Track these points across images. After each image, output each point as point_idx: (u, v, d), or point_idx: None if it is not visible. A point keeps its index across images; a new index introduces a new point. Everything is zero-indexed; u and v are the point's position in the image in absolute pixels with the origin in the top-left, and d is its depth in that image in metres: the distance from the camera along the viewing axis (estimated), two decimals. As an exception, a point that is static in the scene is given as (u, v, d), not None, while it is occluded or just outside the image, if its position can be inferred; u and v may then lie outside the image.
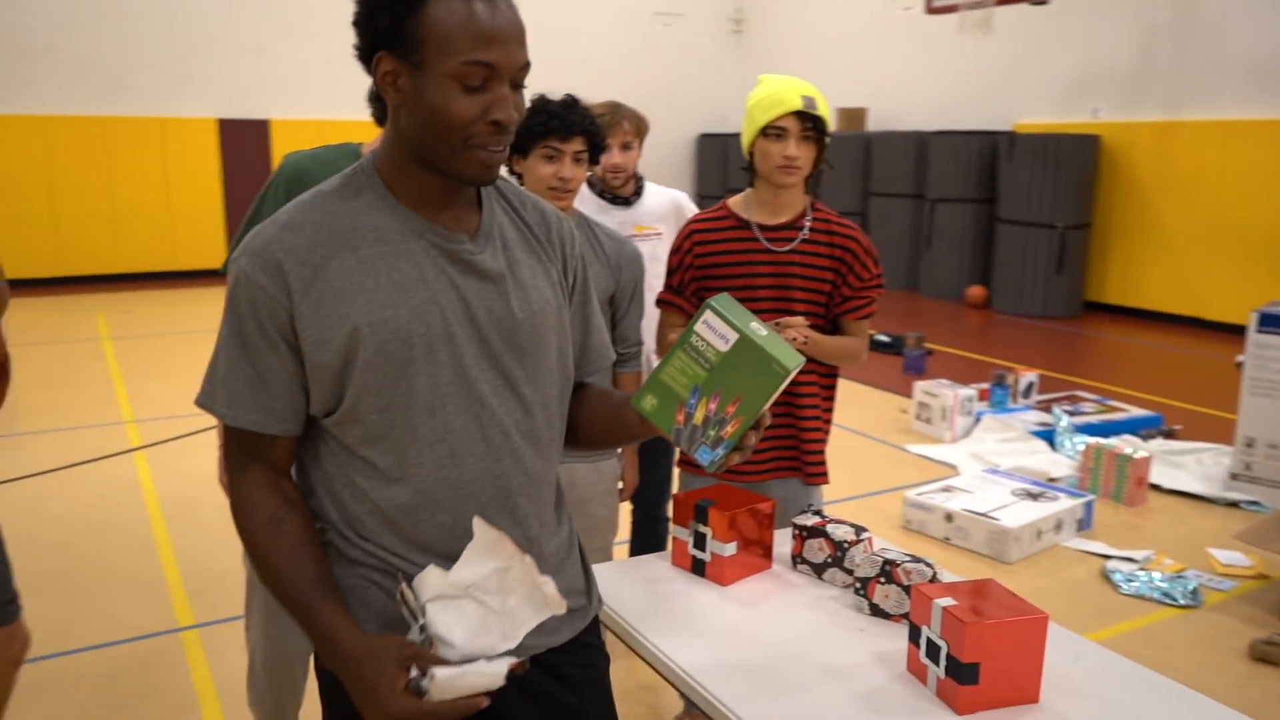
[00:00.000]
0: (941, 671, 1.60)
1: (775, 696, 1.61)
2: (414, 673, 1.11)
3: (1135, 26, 9.30)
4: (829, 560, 2.04)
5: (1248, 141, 8.45)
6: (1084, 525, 4.26)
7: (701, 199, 13.87)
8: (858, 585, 1.92)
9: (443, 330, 1.24)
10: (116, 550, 3.97)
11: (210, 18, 11.02)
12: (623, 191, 3.01)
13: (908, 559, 1.89)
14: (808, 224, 2.39)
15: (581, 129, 2.29)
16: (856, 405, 6.33)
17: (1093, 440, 4.89)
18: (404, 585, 1.18)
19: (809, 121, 2.27)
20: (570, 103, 2.30)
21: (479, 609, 1.17)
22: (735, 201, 2.46)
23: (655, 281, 2.84)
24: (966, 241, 10.42)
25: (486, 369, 1.28)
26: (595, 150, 2.35)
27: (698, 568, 2.07)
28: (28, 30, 10.40)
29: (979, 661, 1.56)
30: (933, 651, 1.63)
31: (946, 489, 4.37)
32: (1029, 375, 5.97)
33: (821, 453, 2.44)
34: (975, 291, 10.18)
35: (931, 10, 9.74)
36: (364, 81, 1.44)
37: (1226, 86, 8.67)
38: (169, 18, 10.81)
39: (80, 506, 4.44)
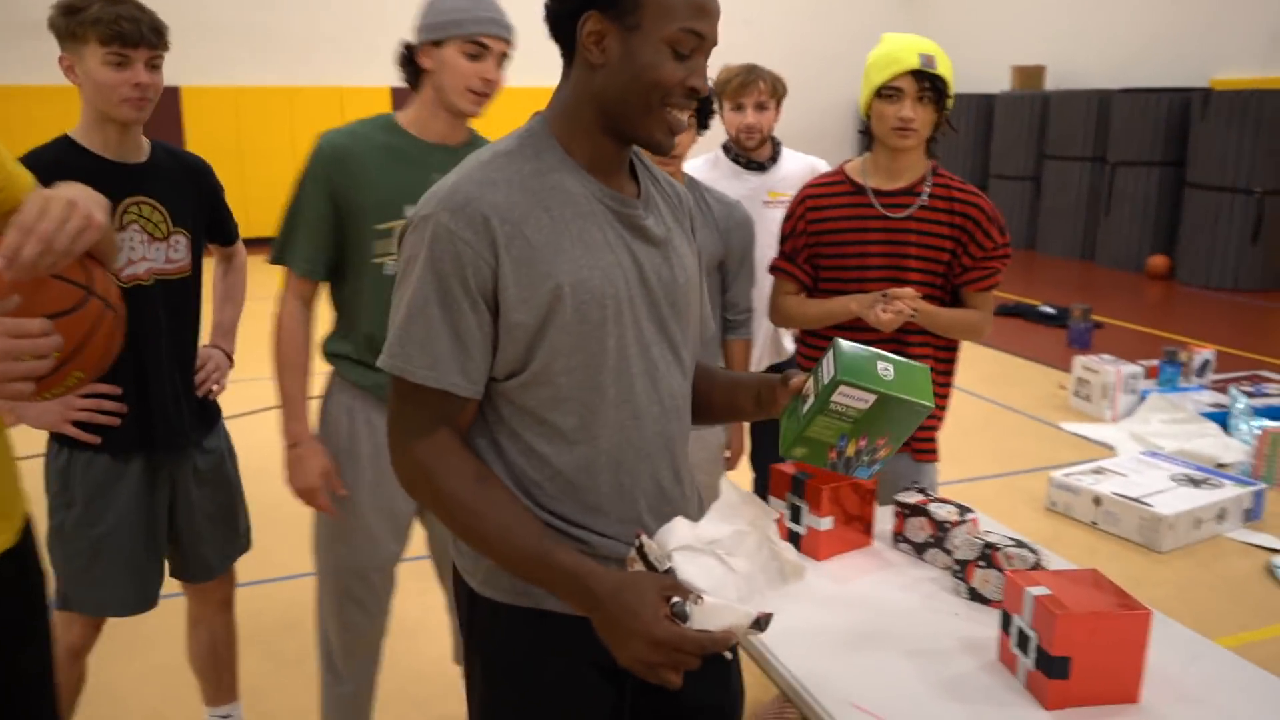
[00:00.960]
0: (1031, 663, 1.52)
1: (858, 677, 1.57)
2: (675, 600, 1.14)
3: (1357, -31, 8.37)
4: (930, 540, 1.96)
5: None
6: (1253, 515, 3.94)
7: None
8: (956, 568, 1.84)
9: (626, 293, 1.28)
10: (266, 495, 4.24)
11: (385, -11, 11.47)
12: (757, 155, 2.95)
13: (1011, 543, 1.80)
14: (927, 189, 2.28)
15: None
16: (1011, 380, 6.05)
17: (1272, 424, 4.50)
18: (642, 537, 1.21)
19: (926, 81, 2.16)
20: None
21: (721, 566, 1.20)
22: (853, 166, 2.37)
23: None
24: (1150, 208, 9.71)
25: (656, 332, 1.32)
26: (703, 115, 2.31)
27: (793, 540, 2.04)
28: (218, 6, 11.11)
29: (1070, 655, 1.48)
30: (1023, 642, 1.55)
31: (1098, 470, 4.13)
32: (1204, 352, 5.54)
33: (933, 429, 2.34)
34: (1157, 261, 9.50)
35: (1119, -42, 9.05)
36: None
37: None
38: (347, -10, 11.31)
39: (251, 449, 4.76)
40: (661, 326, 1.32)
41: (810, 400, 1.32)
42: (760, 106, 2.86)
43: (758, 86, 2.83)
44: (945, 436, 2.49)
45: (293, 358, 2.11)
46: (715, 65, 3.57)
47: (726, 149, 2.97)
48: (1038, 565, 1.76)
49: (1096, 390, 5.28)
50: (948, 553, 1.93)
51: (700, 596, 1.13)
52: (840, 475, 2.03)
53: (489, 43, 1.99)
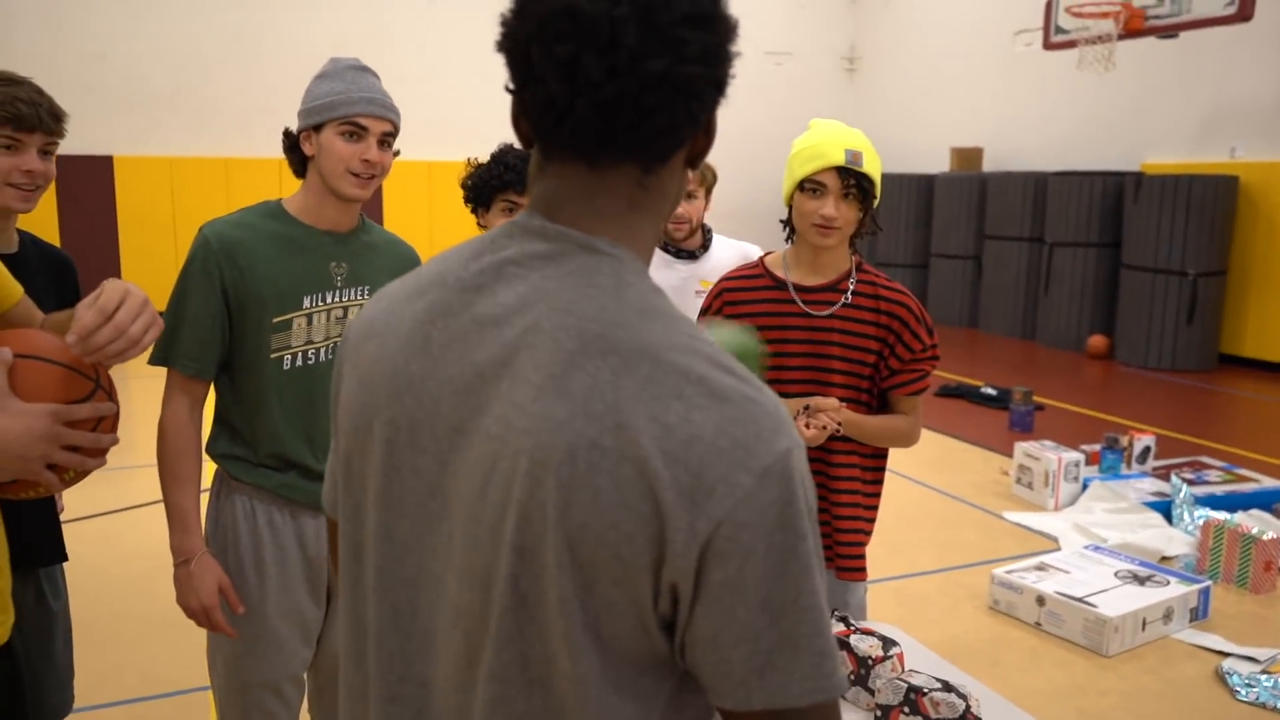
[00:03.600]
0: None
1: None
2: None
3: (1275, 59, 8.64)
4: (850, 677, 1.77)
5: (1407, 183, 7.69)
6: (1199, 615, 3.81)
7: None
8: (878, 712, 1.65)
9: None
10: (168, 596, 3.95)
11: (320, 65, 11.40)
12: (687, 244, 2.82)
13: (938, 685, 1.62)
14: (851, 286, 2.15)
15: None
16: (953, 465, 5.93)
17: (1215, 515, 4.41)
18: None
19: (851, 178, 2.04)
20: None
21: None
22: (773, 259, 2.24)
23: None
24: (1088, 288, 9.81)
25: None
26: None
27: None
28: (158, 76, 10.96)
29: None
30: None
31: (1040, 567, 3.98)
32: (1145, 438, 5.48)
33: (860, 545, 2.17)
34: (1096, 341, 9.56)
35: (1049, 46, 9.27)
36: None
37: (1382, 124, 7.94)
38: (285, 64, 11.22)
39: (140, 552, 4.47)
40: None
41: None
42: (688, 195, 2.74)
43: None
44: (886, 524, 2.33)
45: (181, 468, 1.93)
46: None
47: None
48: (967, 713, 1.58)
49: (1038, 478, 5.17)
50: (870, 693, 1.74)
51: None
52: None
53: (367, 123, 1.90)
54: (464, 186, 2.23)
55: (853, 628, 1.84)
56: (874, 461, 2.22)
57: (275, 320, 1.93)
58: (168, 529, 1.93)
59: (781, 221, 2.23)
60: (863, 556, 2.19)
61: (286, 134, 1.99)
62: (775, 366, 2.14)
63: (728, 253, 2.84)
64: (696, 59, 0.82)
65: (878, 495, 2.25)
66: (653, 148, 0.86)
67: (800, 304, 2.14)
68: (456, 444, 0.87)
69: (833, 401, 2.03)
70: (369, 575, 0.94)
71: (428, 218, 11.62)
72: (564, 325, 0.83)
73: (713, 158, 2.80)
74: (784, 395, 2.11)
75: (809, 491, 0.83)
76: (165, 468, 1.92)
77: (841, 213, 2.05)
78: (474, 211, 2.23)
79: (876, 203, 2.11)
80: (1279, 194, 8.68)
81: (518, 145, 2.18)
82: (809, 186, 2.06)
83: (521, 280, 0.87)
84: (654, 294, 0.87)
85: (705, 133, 0.90)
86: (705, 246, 2.85)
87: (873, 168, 2.06)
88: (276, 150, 11.29)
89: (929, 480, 5.62)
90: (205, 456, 1.98)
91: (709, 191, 2.80)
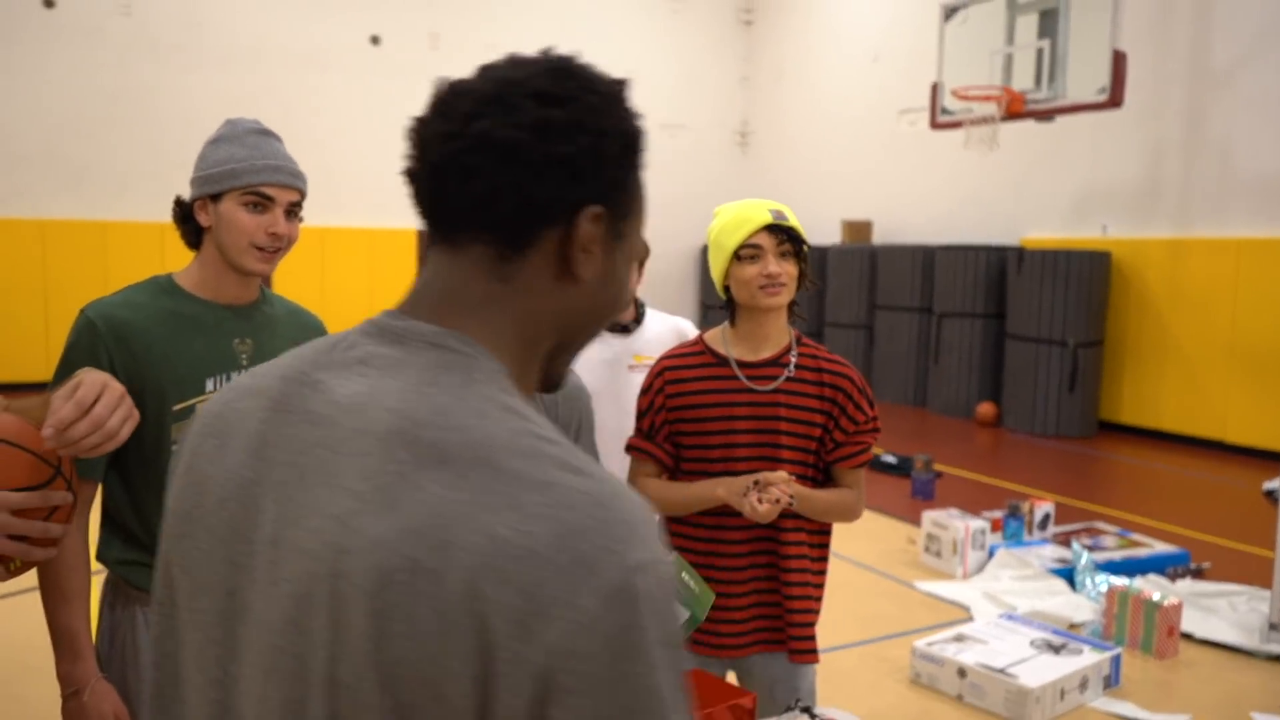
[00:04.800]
0: None
1: None
2: None
3: (1143, 143, 9.22)
4: (819, 775, 1.69)
5: (1261, 259, 8.25)
6: (1112, 683, 3.86)
7: (707, 311, 13.72)
8: (852, 814, 1.57)
9: None
10: (36, 698, 3.60)
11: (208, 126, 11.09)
12: (620, 318, 2.76)
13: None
14: (793, 359, 2.12)
15: None
16: (861, 534, 5.96)
17: (1117, 582, 4.51)
18: None
19: (783, 234, 2.02)
20: None
21: None
22: (712, 336, 2.19)
23: None
24: (975, 357, 10.16)
25: None
26: None
27: (661, 778, 1.73)
28: (29, 136, 10.45)
29: None
30: None
31: (959, 638, 3.99)
32: (1045, 505, 5.62)
33: (811, 625, 2.11)
34: (985, 409, 9.87)
35: (936, 126, 9.70)
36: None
37: (1236, 203, 8.52)
38: (165, 125, 10.85)
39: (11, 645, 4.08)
40: None
41: None
42: None
43: None
44: None
45: (69, 582, 1.69)
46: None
47: None
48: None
49: (946, 546, 5.23)
50: (841, 791, 1.66)
51: None
52: (715, 693, 1.75)
53: (273, 193, 1.76)
54: None
55: (818, 718, 1.76)
56: (820, 538, 2.17)
57: (176, 408, 1.75)
58: (53, 654, 1.68)
59: (721, 307, 2.19)
60: (813, 638, 2.12)
61: (178, 203, 1.83)
62: (724, 445, 2.08)
63: (661, 327, 2.79)
64: (527, 126, 0.80)
65: (824, 573, 2.20)
66: (491, 222, 0.81)
67: (744, 380, 2.10)
68: (271, 558, 0.77)
69: (782, 475, 1.99)
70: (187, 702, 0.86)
71: (319, 287, 11.28)
72: (396, 429, 0.74)
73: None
74: (733, 473, 2.05)
75: (667, 614, 0.73)
76: (48, 584, 1.68)
77: (784, 269, 2.03)
78: None
79: (806, 252, 2.10)
80: (1147, 269, 9.20)
81: None
82: (745, 253, 2.04)
83: (362, 379, 0.79)
84: (503, 395, 0.79)
85: (572, 230, 0.83)
86: (639, 320, 2.79)
87: (795, 223, 2.07)
88: (159, 214, 10.86)
89: (839, 549, 5.59)
90: (94, 565, 1.77)
91: (641, 265, 2.76)
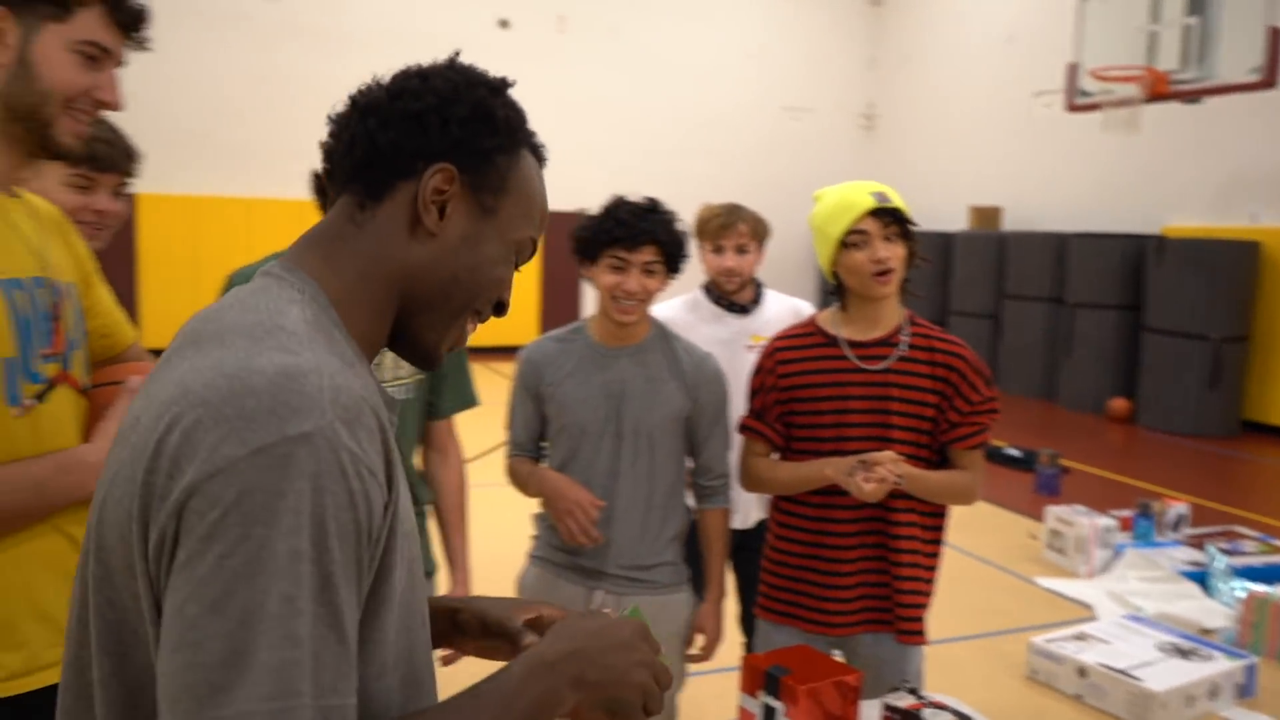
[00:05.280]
0: None
1: None
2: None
3: (1301, 128, 8.65)
4: (924, 756, 1.68)
5: None
6: (1245, 692, 3.68)
7: (827, 297, 13.54)
8: (958, 796, 1.56)
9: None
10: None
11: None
12: (738, 298, 2.77)
13: (1023, 768, 1.53)
14: (905, 339, 2.09)
15: (653, 238, 2.06)
16: (981, 528, 5.83)
17: (1256, 589, 4.29)
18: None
19: (888, 216, 1.99)
20: (643, 208, 2.08)
21: None
22: (824, 316, 2.19)
23: None
24: (1109, 350, 9.74)
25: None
26: (673, 260, 2.12)
27: (765, 749, 1.75)
28: (180, 117, 11.06)
29: None
30: None
31: (1080, 636, 3.86)
32: (1179, 506, 5.37)
33: (920, 607, 2.09)
34: (1118, 404, 9.47)
35: (1073, 108, 9.32)
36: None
37: None
38: (306, 107, 11.30)
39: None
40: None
41: None
42: (741, 249, 2.70)
43: (738, 229, 2.68)
44: None
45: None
46: (688, 199, 3.45)
47: (707, 290, 2.80)
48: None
49: (1070, 543, 5.07)
50: (947, 774, 1.64)
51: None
52: (820, 668, 1.76)
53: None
54: (572, 238, 2.15)
55: (924, 700, 1.75)
56: (933, 520, 2.15)
57: None
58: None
59: (830, 293, 2.18)
60: (922, 620, 2.10)
61: (316, 176, 1.91)
62: (836, 425, 2.08)
63: (779, 308, 2.79)
64: (387, 90, 0.95)
65: (937, 555, 2.17)
66: (351, 171, 0.94)
67: (855, 360, 2.09)
68: None
69: (890, 455, 1.97)
70: None
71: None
72: (188, 329, 0.87)
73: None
74: (845, 453, 2.04)
75: (326, 494, 0.74)
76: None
77: (892, 253, 2.01)
78: (580, 265, 2.15)
79: (915, 233, 2.07)
80: (1303, 261, 8.64)
81: (632, 198, 2.12)
82: (851, 240, 2.02)
83: (215, 305, 0.91)
84: (287, 304, 0.87)
85: (420, 188, 0.93)
86: (757, 301, 2.80)
87: (900, 203, 2.04)
88: (300, 191, 11.37)
89: (957, 542, 5.51)
90: None
91: (762, 245, 2.76)
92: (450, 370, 2.12)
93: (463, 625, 1.10)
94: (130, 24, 1.39)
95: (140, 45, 1.42)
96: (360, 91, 0.96)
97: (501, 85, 0.99)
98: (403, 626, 0.89)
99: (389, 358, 1.95)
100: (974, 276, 11.36)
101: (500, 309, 1.01)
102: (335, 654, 0.74)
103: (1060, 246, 10.35)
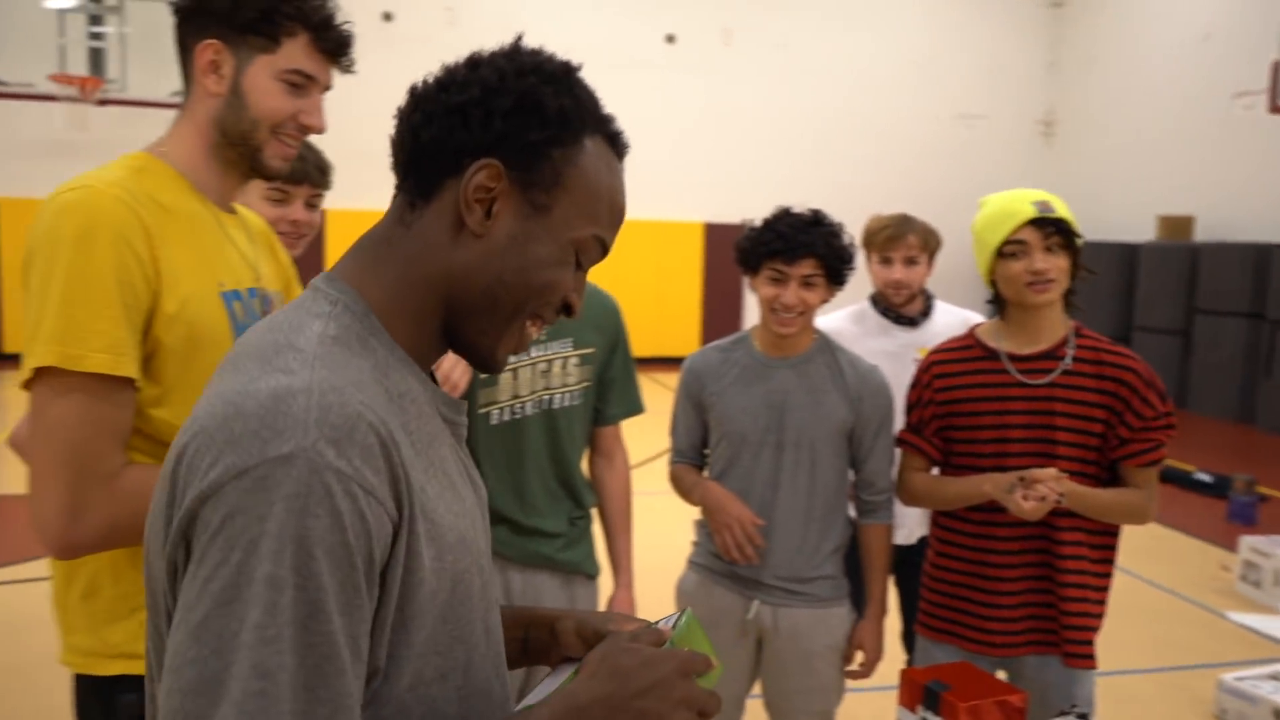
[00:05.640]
0: None
1: None
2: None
3: None
4: (1094, 784, 1.62)
5: None
6: None
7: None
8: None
9: (483, 543, 0.94)
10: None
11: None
12: (906, 310, 2.74)
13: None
14: (1070, 352, 2.02)
15: (812, 251, 2.06)
16: (1166, 556, 5.48)
17: None
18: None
19: (1050, 226, 1.93)
20: (804, 221, 2.09)
21: None
22: (984, 329, 2.14)
23: None
24: (1317, 370, 8.98)
25: (489, 582, 0.96)
26: (835, 273, 2.11)
27: (924, 766, 1.72)
28: (369, 135, 11.73)
29: None
30: None
31: (1276, 675, 3.59)
32: (1396, 541, 4.90)
33: (1089, 630, 2.00)
34: (1327, 429, 8.71)
35: (1276, 109, 8.65)
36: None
37: None
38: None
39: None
40: (490, 585, 0.95)
41: None
42: (910, 261, 2.66)
43: (907, 240, 2.65)
44: None
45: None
46: (858, 211, 3.43)
47: (874, 301, 2.77)
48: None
49: (1268, 577, 4.71)
50: (1118, 804, 1.58)
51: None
52: (981, 686, 1.72)
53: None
54: (735, 249, 2.20)
55: (1094, 729, 1.68)
56: (1103, 540, 2.05)
57: (483, 375, 1.94)
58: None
59: (989, 301, 2.12)
60: (1091, 643, 2.01)
61: None
62: (996, 440, 2.03)
63: (950, 320, 2.73)
64: (436, 81, 0.90)
65: (1108, 576, 2.08)
66: (402, 169, 0.90)
67: (1015, 374, 2.02)
68: None
69: (1051, 471, 1.90)
70: None
71: (610, 277, 11.79)
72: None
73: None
74: (1005, 469, 1.99)
75: (309, 515, 0.71)
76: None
77: (1051, 264, 1.95)
78: (744, 275, 2.19)
79: (1080, 245, 1.99)
80: None
81: (797, 210, 2.14)
82: (1009, 250, 1.97)
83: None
84: (312, 319, 0.84)
85: (463, 186, 0.88)
86: (926, 313, 2.75)
87: (1066, 213, 1.97)
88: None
89: (1139, 570, 5.21)
90: None
91: (932, 256, 2.71)
92: (618, 377, 2.18)
93: (560, 634, 1.04)
94: (335, 51, 1.49)
95: (345, 69, 1.52)
96: (419, 83, 0.92)
97: (560, 72, 0.92)
98: (451, 639, 0.85)
99: (557, 364, 2.02)
100: (1161, 290, 10.69)
101: (568, 310, 0.94)
102: (331, 685, 0.71)
103: (1260, 258, 9.61)
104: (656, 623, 0.99)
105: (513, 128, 0.88)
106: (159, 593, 0.79)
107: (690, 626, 0.96)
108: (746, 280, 2.18)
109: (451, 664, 0.86)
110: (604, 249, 0.95)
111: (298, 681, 0.70)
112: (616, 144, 0.97)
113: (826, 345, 2.23)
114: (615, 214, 0.95)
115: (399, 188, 0.92)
